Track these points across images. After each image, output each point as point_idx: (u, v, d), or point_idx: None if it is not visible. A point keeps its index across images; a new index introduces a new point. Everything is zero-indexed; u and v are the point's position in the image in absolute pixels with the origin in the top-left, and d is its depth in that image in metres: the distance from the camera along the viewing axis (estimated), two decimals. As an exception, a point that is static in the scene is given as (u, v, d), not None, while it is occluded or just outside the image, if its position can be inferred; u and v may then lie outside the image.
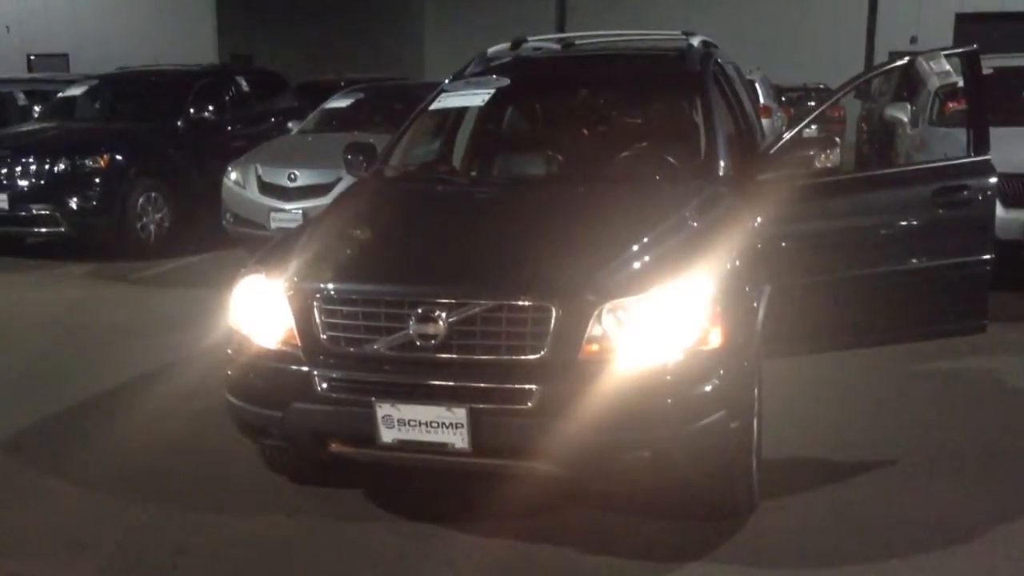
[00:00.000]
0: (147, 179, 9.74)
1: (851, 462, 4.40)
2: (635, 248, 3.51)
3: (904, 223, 4.47)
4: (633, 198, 4.10)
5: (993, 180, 4.54)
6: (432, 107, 4.99)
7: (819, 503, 4.00)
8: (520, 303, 3.28)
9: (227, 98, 11.23)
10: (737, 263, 3.65)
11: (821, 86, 21.65)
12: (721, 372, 3.36)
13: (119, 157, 9.53)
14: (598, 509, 3.92)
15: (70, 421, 5.10)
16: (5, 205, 9.22)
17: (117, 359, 6.16)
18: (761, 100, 13.60)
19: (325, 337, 3.45)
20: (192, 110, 10.62)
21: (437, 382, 3.30)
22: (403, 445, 3.35)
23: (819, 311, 4.38)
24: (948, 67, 4.63)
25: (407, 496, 4.08)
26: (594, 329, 3.27)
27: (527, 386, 3.22)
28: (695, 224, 3.80)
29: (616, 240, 3.57)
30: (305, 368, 3.43)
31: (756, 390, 3.85)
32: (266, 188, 8.83)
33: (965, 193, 4.47)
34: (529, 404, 3.21)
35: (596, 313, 3.27)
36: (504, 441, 3.28)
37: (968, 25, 23.61)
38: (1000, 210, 7.04)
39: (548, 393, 3.21)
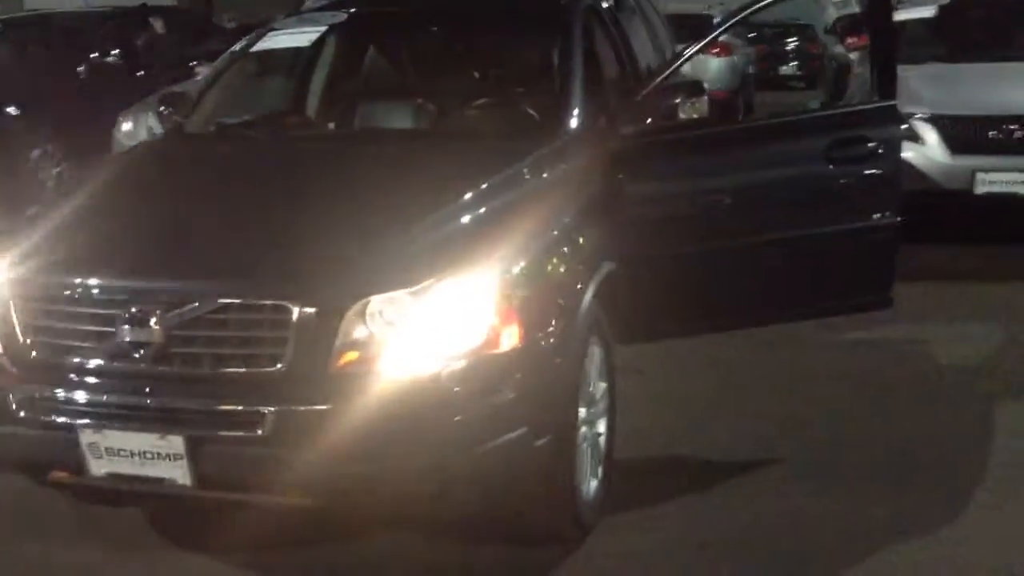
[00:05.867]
0: (41, 131, 8.99)
1: (728, 463, 3.74)
2: (416, 227, 2.82)
3: (793, 181, 3.76)
4: (446, 161, 3.38)
5: (901, 128, 3.83)
6: (256, 48, 4.26)
7: (674, 519, 3.36)
8: (250, 301, 2.60)
9: (139, 42, 10.42)
10: (553, 240, 2.98)
11: (800, 21, 20.68)
12: (518, 379, 2.70)
13: (9, 108, 8.79)
14: (406, 530, 3.29)
15: None
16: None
17: None
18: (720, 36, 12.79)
19: (28, 343, 2.78)
20: (95, 55, 9.84)
21: (149, 403, 2.63)
22: (116, 479, 2.69)
23: (690, 287, 3.69)
24: (847, -6, 3.91)
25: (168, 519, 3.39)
26: (352, 333, 2.59)
27: (258, 408, 2.55)
28: (509, 193, 3.09)
29: (395, 217, 2.87)
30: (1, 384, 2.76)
31: (591, 392, 3.22)
32: (159, 140, 8.09)
33: (867, 145, 3.76)
34: (259, 431, 2.54)
35: (353, 312, 2.58)
36: (234, 475, 2.63)
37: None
38: (946, 156, 6.38)
39: (286, 417, 2.54)
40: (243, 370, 2.60)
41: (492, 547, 3.20)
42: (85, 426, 2.65)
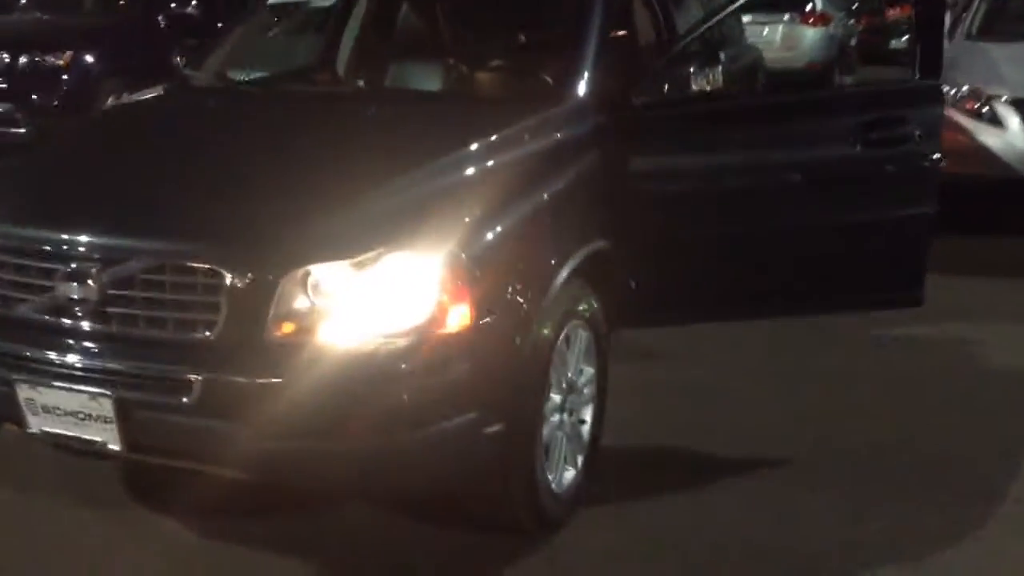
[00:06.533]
0: (116, 79, 9.11)
1: (731, 459, 3.52)
2: (375, 192, 2.66)
3: (817, 164, 3.47)
4: (436, 123, 3.22)
5: (942, 110, 3.51)
6: (272, 1, 4.16)
7: (657, 515, 3.15)
8: (182, 263, 2.49)
9: (220, -8, 10.46)
10: (528, 212, 2.80)
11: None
12: (469, 361, 2.54)
13: (84, 54, 8.93)
14: (381, 509, 3.16)
15: None
16: (-37, 106, 8.75)
17: None
18: (817, 6, 12.30)
19: None
20: (174, 5, 9.92)
21: (82, 362, 2.55)
22: (52, 438, 2.64)
23: (698, 273, 3.46)
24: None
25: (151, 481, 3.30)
26: (288, 302, 2.45)
27: (186, 375, 2.44)
28: (489, 159, 2.91)
29: (357, 181, 2.72)
30: None
31: (570, 377, 3.05)
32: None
33: (904, 127, 3.45)
34: (185, 399, 2.44)
35: (290, 281, 2.45)
36: (162, 443, 2.54)
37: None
38: (1024, 140, 5.90)
39: (214, 386, 2.43)
40: (175, 335, 2.50)
41: (456, 531, 3.06)
42: (22, 381, 2.59)
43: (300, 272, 2.45)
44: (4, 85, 8.73)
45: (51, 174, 3.06)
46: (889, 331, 4.56)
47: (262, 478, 2.62)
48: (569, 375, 3.05)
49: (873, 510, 3.18)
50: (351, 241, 2.49)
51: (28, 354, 2.61)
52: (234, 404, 2.43)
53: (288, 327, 2.46)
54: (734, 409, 3.89)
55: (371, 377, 2.45)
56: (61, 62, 8.83)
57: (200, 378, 2.43)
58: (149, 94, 3.84)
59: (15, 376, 2.60)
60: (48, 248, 2.63)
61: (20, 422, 2.66)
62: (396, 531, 3.09)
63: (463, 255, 2.52)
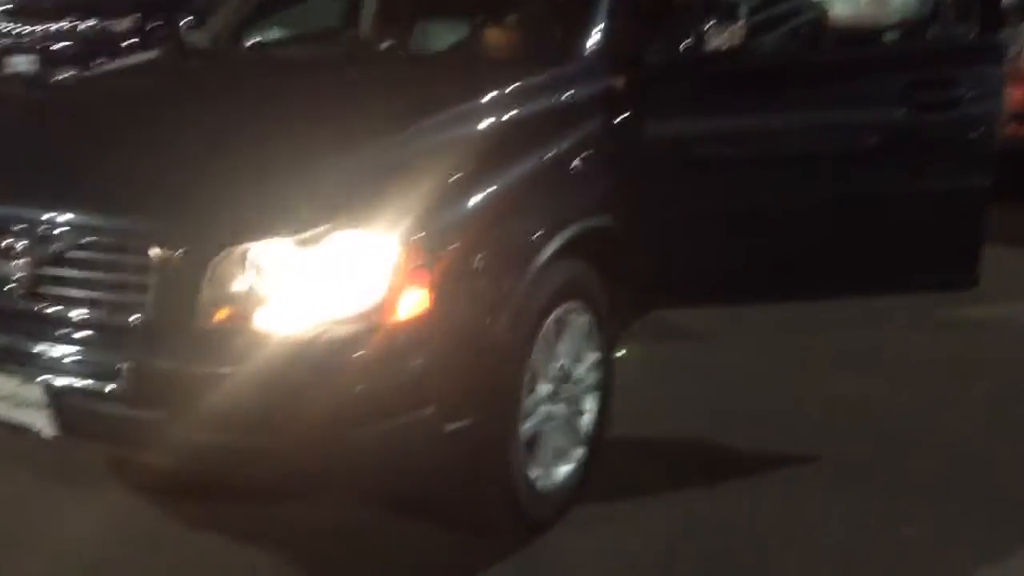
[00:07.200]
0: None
1: (752, 454, 3.22)
2: (330, 163, 2.40)
3: (858, 129, 3.12)
4: (420, 88, 2.93)
5: (1000, 70, 3.10)
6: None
7: (658, 515, 2.87)
8: (109, 239, 2.29)
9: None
10: (504, 186, 2.51)
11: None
12: (426, 350, 2.29)
13: (149, 18, 8.90)
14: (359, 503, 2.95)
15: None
16: (33, 68, 8.83)
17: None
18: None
19: None
20: None
21: (13, 344, 2.36)
22: (-6, 422, 2.49)
23: (726, 250, 3.15)
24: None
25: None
26: (224, 284, 2.22)
27: (113, 362, 2.24)
28: (464, 127, 2.62)
29: (317, 150, 2.46)
30: None
31: (563, 366, 2.78)
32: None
33: (956, 89, 3.06)
34: (112, 386, 2.24)
35: (224, 260, 2.22)
36: (95, 431, 2.35)
37: None
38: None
39: (142, 374, 2.23)
40: (105, 318, 2.30)
41: (434, 530, 2.83)
42: (-39, 363, 2.43)
43: (238, 250, 2.23)
44: (70, 50, 8.82)
45: (22, 134, 2.89)
46: (937, 312, 4.16)
47: (198, 471, 2.43)
48: (562, 363, 2.78)
49: (907, 514, 2.87)
50: (296, 216, 2.25)
51: None
52: (163, 393, 2.23)
53: (224, 311, 2.23)
54: (762, 397, 3.58)
55: (315, 368, 2.21)
56: (122, 26, 8.82)
57: (127, 365, 2.23)
58: (145, 57, 3.64)
59: (-47, 357, 2.45)
60: None
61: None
62: (367, 525, 2.86)
63: (423, 232, 2.26)
